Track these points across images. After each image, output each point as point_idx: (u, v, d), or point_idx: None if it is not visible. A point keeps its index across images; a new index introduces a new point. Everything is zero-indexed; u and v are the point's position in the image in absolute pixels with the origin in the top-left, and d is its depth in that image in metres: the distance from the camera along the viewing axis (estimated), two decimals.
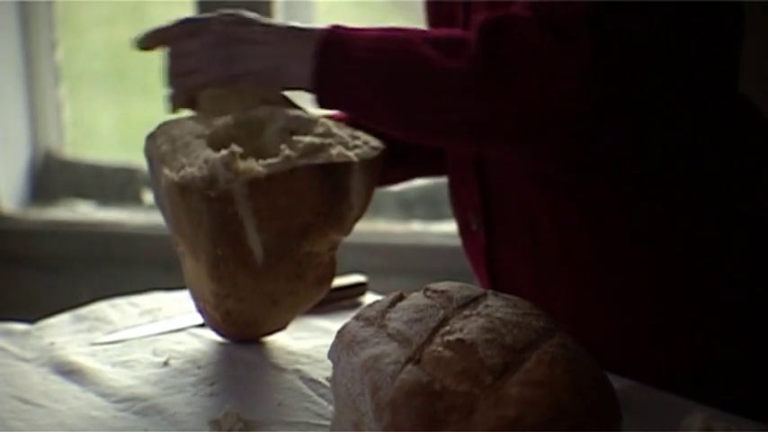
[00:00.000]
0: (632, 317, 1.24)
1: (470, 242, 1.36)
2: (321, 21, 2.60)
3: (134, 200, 2.83)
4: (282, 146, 1.17)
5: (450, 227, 2.51)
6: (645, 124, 1.15)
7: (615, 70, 1.11)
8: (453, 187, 1.38)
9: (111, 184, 2.86)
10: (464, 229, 1.37)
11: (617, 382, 1.03)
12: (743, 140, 1.24)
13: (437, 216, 2.53)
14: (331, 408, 1.09)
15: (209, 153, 1.16)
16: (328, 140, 1.20)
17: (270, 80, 1.24)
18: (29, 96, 2.82)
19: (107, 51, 2.93)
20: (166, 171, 1.16)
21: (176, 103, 1.29)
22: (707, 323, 1.22)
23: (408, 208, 2.58)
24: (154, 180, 1.22)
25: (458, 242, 1.40)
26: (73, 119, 2.89)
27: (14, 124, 2.79)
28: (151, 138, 1.22)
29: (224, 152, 1.15)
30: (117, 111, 2.95)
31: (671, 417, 1.07)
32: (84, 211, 2.83)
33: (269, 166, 1.15)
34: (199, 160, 1.15)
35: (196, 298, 1.25)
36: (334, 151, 1.18)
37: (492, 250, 1.32)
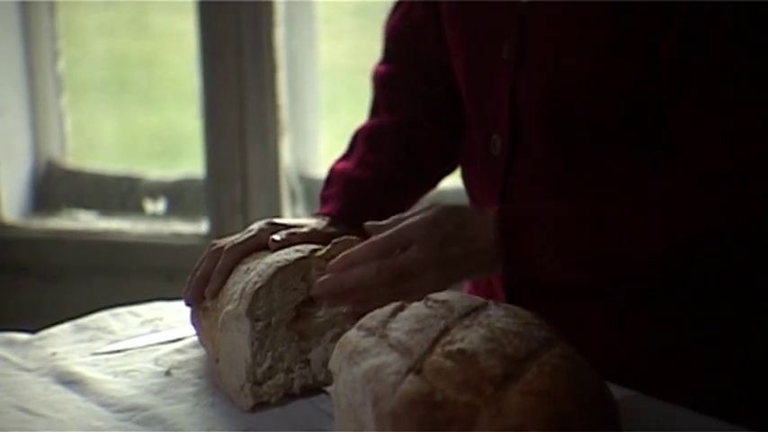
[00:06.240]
0: (637, 328, 1.25)
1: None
2: (321, 20, 2.61)
3: (136, 209, 2.83)
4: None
5: None
6: None
7: None
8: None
9: (112, 193, 2.86)
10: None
11: (618, 392, 1.03)
12: None
13: None
14: (332, 418, 1.09)
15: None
16: None
17: None
18: (31, 106, 2.83)
19: (109, 61, 2.93)
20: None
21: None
22: (711, 337, 1.23)
23: None
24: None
25: None
26: (75, 128, 2.89)
27: (17, 134, 2.80)
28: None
29: None
30: (119, 120, 2.95)
31: (672, 427, 1.07)
32: (86, 221, 2.83)
33: None
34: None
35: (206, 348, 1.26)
36: None
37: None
